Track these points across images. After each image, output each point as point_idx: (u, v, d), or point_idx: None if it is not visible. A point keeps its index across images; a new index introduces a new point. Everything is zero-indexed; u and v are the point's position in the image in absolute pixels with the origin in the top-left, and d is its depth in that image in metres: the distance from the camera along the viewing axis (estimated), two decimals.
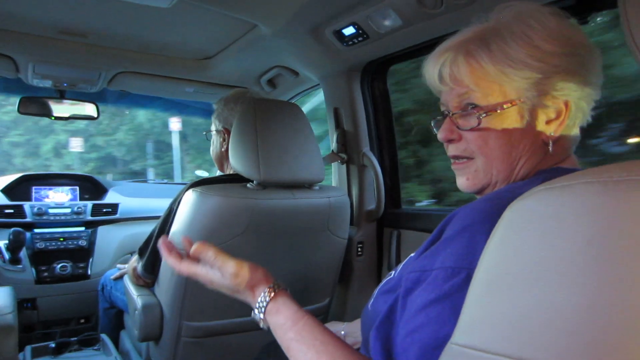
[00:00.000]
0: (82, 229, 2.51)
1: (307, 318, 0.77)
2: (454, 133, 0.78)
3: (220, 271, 0.85)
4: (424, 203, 2.56)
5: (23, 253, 2.32)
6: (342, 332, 1.23)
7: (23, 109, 2.18)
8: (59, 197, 2.56)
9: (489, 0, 1.18)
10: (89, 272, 2.47)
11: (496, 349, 0.46)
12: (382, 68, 1.88)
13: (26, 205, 2.40)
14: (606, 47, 1.57)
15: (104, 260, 2.51)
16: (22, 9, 1.56)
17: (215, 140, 1.77)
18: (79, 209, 2.50)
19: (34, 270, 2.35)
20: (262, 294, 0.81)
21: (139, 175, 8.08)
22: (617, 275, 0.39)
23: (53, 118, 2.25)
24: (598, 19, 1.37)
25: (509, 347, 0.45)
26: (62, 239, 2.43)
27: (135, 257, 1.65)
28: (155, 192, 3.00)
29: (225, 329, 1.51)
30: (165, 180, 3.81)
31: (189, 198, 1.39)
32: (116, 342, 2.06)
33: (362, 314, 0.85)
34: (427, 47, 1.54)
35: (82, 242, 2.47)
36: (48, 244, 2.39)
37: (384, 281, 0.82)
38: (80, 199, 2.60)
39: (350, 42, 1.62)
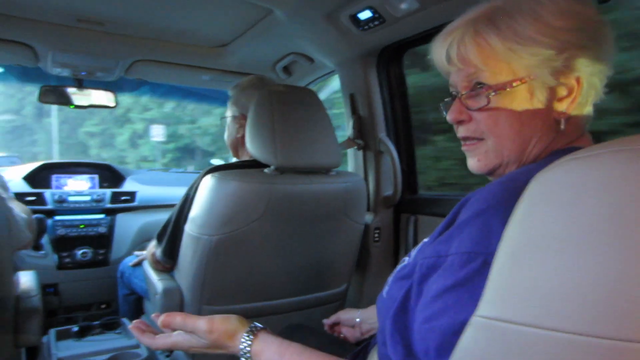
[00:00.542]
0: (102, 216, 2.55)
1: (292, 347, 0.78)
2: (464, 114, 0.76)
3: (195, 333, 0.84)
4: None
5: (45, 239, 2.36)
6: (358, 320, 1.23)
7: (44, 98, 2.21)
8: (78, 185, 2.60)
9: None
10: (109, 258, 2.51)
11: (525, 320, 0.46)
12: (398, 52, 1.86)
13: (47, 193, 2.44)
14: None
15: (122, 247, 2.56)
16: None
17: (230, 126, 1.77)
18: (99, 197, 2.54)
19: (55, 256, 2.41)
20: (242, 340, 0.80)
21: None
22: None
23: (72, 107, 2.28)
24: None
25: (538, 317, 0.45)
26: (82, 226, 2.47)
27: (154, 242, 1.67)
28: (172, 180, 3.03)
29: (245, 313, 1.52)
30: (182, 170, 3.85)
31: (207, 183, 1.40)
32: None
33: (377, 301, 0.84)
34: None
35: (102, 229, 2.51)
36: (69, 230, 2.43)
37: (398, 267, 0.81)
38: (99, 187, 2.64)
39: (366, 27, 1.61)
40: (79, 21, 1.75)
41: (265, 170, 1.44)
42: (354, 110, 1.95)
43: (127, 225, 2.60)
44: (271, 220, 1.43)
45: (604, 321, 0.40)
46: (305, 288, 1.63)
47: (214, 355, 0.87)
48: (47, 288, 2.35)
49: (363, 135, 1.94)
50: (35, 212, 2.17)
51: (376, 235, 1.90)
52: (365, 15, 1.54)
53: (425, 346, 0.60)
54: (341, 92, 2.02)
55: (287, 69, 2.25)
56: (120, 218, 2.60)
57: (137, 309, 2.21)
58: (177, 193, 2.67)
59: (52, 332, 1.85)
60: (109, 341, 1.84)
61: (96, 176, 2.65)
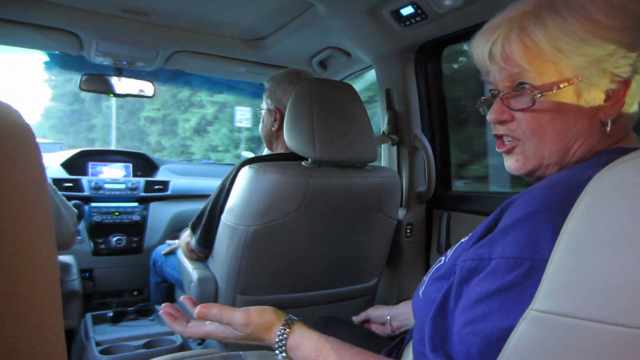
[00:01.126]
0: (136, 204, 2.60)
1: (329, 342, 0.77)
2: (505, 114, 0.74)
3: (230, 325, 0.84)
4: None
5: (81, 225, 2.43)
6: (388, 317, 1.23)
7: (84, 86, 2.25)
8: (113, 173, 2.66)
9: None
10: (142, 246, 2.57)
11: (587, 314, 0.46)
12: (437, 49, 1.85)
13: (84, 180, 2.51)
14: None
15: (155, 236, 2.61)
16: None
17: (265, 119, 1.77)
18: (133, 185, 2.60)
19: (91, 242, 2.47)
20: (279, 332, 0.80)
21: None
22: None
23: (112, 95, 2.33)
24: None
25: (601, 312, 0.44)
26: (117, 213, 2.53)
27: (188, 232, 1.69)
28: (202, 171, 3.08)
29: (278, 304, 1.54)
30: (212, 161, 3.90)
31: (245, 174, 1.41)
32: None
33: (413, 301, 0.82)
34: None
35: (136, 217, 2.57)
36: (104, 217, 2.49)
37: (434, 267, 0.80)
38: (133, 176, 2.70)
39: (408, 22, 1.60)
40: (125, 11, 1.79)
41: (303, 163, 1.45)
42: (390, 106, 1.94)
43: (160, 214, 2.66)
44: (307, 212, 1.43)
45: None
46: (338, 281, 1.64)
47: (248, 344, 0.87)
48: (83, 273, 2.41)
49: (398, 131, 1.93)
50: (72, 198, 2.23)
51: (408, 230, 1.89)
52: (407, 11, 1.53)
53: (466, 349, 0.59)
54: (377, 87, 2.01)
55: (322, 63, 2.25)
56: (154, 207, 2.65)
57: (168, 296, 2.26)
58: (207, 184, 2.73)
59: (89, 316, 1.89)
60: (144, 327, 1.88)
61: (130, 165, 2.71)
